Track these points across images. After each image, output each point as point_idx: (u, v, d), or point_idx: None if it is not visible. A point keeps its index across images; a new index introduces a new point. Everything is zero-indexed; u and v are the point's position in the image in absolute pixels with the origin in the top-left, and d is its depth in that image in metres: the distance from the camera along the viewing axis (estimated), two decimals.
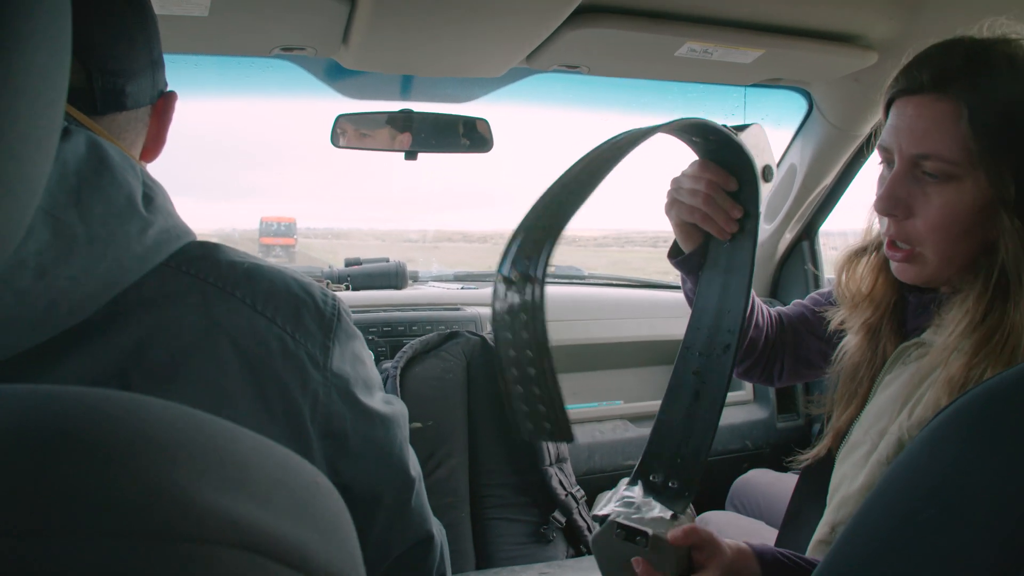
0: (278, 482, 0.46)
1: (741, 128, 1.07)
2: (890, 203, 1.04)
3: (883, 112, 1.10)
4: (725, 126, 1.06)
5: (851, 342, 1.23)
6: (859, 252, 1.23)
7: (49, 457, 0.38)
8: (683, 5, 1.55)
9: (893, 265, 1.11)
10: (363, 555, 0.92)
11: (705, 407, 1.10)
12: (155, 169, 0.92)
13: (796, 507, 1.35)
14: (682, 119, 0.98)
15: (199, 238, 0.83)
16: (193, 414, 0.47)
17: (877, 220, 1.18)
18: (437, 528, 1.03)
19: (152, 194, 0.76)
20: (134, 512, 0.37)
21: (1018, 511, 0.72)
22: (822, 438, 1.24)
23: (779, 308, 1.47)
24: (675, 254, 1.27)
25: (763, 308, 1.41)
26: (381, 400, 0.92)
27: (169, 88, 0.93)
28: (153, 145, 0.92)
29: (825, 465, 1.22)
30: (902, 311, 1.20)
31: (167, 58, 0.91)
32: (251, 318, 0.78)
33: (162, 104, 0.91)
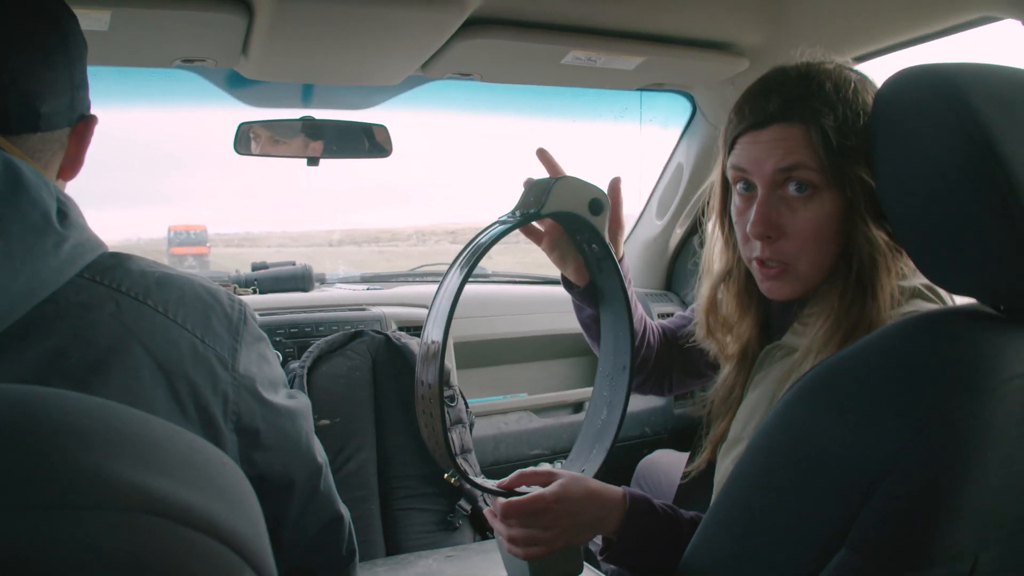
0: (187, 461, 0.52)
1: (551, 184, 1.16)
2: (765, 226, 1.09)
3: (725, 150, 1.16)
4: (540, 181, 1.19)
5: (726, 367, 1.30)
6: (722, 278, 1.27)
7: None
8: (567, 16, 1.61)
9: (763, 285, 1.15)
10: (281, 537, 1.00)
11: (612, 420, 1.23)
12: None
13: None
14: (512, 219, 1.16)
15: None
16: (108, 404, 0.52)
17: (724, 247, 1.26)
18: (345, 509, 1.10)
19: (66, 210, 0.80)
20: (57, 487, 0.42)
21: (856, 470, 0.82)
22: (701, 450, 1.30)
23: (662, 323, 1.56)
24: (567, 286, 1.40)
25: (652, 327, 1.51)
26: (286, 396, 0.99)
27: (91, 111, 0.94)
28: (71, 166, 0.93)
29: (706, 474, 1.29)
30: (765, 317, 1.26)
31: None
32: (163, 324, 0.83)
33: (82, 127, 0.92)
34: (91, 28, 1.42)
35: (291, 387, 1.84)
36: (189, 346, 0.84)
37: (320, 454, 1.05)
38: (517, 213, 1.17)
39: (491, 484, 1.16)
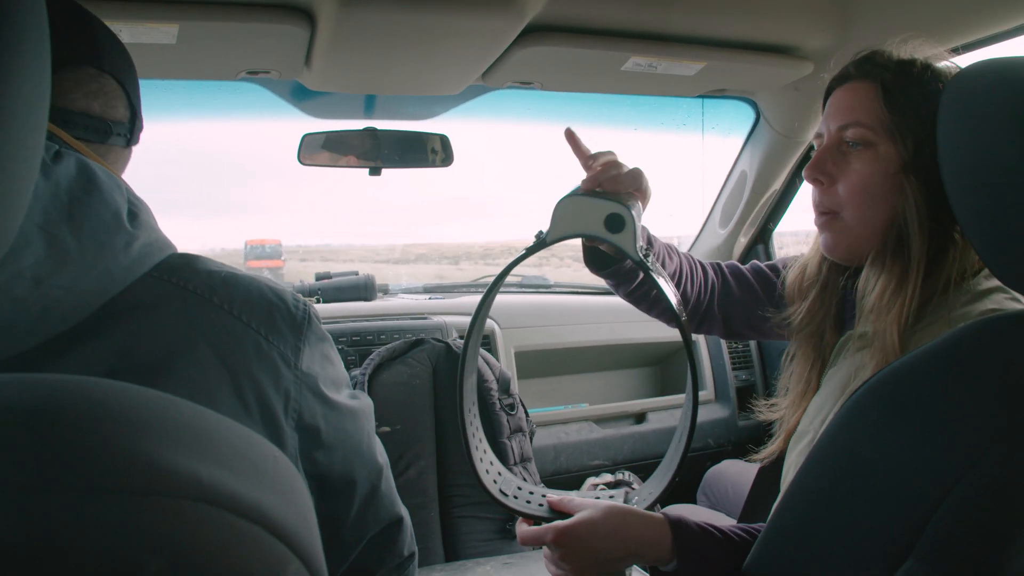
0: (239, 452, 0.52)
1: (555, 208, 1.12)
2: (817, 170, 1.17)
3: (822, 111, 1.21)
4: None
5: (795, 347, 1.31)
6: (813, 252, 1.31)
7: (38, 428, 0.43)
8: (627, 22, 1.61)
9: (820, 240, 1.21)
10: (341, 536, 1.01)
11: (679, 447, 1.18)
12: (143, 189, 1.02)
13: (753, 500, 1.42)
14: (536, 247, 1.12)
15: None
16: (165, 396, 0.53)
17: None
18: (405, 511, 1.10)
19: (137, 211, 0.82)
20: (111, 472, 0.43)
21: (925, 478, 0.79)
22: (775, 438, 1.31)
23: (731, 265, 1.52)
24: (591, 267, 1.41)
25: (695, 270, 1.47)
26: (348, 396, 0.99)
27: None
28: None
29: (779, 462, 1.28)
30: (841, 310, 1.27)
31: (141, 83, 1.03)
32: (228, 322, 0.84)
33: None
34: (159, 42, 1.48)
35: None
36: (253, 344, 0.85)
37: (381, 455, 1.05)
38: (533, 240, 1.12)
39: (535, 507, 1.18)
